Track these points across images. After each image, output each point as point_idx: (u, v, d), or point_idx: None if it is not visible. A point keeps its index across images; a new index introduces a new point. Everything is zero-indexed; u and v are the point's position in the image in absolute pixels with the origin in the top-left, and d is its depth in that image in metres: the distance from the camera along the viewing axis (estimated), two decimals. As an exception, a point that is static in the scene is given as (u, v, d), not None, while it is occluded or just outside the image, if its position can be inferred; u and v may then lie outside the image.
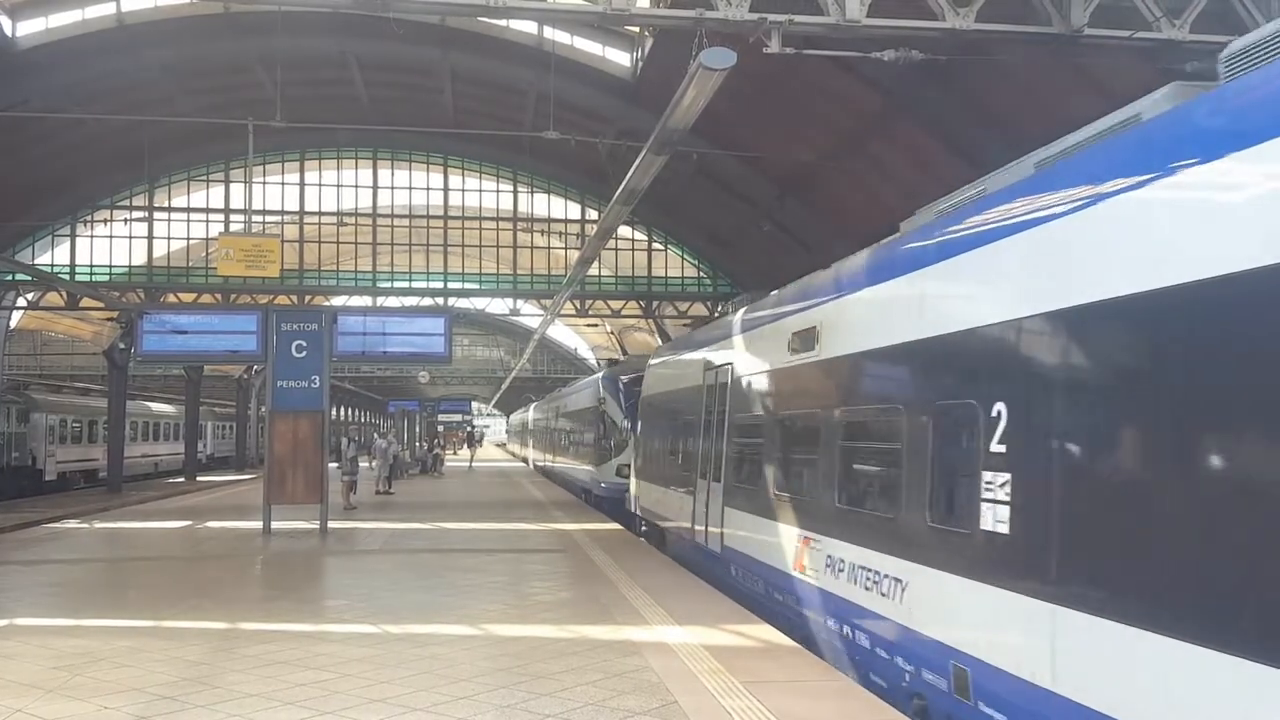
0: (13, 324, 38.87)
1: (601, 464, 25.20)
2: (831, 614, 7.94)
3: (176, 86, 27.39)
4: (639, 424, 18.92)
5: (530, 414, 59.36)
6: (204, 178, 33.78)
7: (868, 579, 7.18)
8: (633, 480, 19.27)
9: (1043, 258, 5.43)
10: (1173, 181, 4.47)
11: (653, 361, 18.50)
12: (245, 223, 28.09)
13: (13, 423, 32.12)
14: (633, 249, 34.97)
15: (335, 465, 24.09)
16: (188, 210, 33.98)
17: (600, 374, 29.25)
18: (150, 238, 33.13)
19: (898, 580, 6.72)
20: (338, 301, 36.35)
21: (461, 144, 32.87)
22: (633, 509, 19.10)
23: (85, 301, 31.21)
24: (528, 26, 25.63)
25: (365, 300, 34.55)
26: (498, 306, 37.12)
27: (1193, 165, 4.35)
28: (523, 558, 14.65)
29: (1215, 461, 4.11)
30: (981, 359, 5.97)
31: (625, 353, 40.52)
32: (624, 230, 31.04)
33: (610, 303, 34.99)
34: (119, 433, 31.51)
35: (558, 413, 38.40)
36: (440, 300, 33.63)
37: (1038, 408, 5.34)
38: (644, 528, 17.90)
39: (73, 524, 20.49)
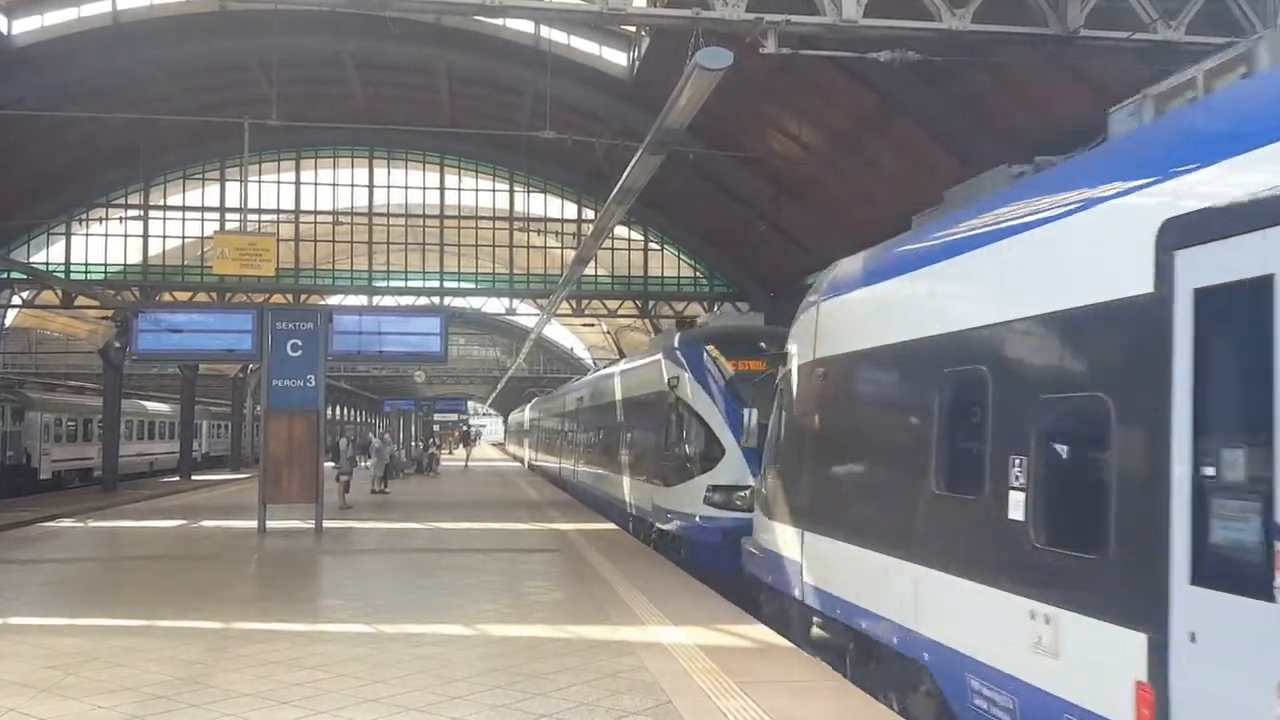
0: (8, 322, 38.78)
1: (674, 484, 15.51)
2: None
3: (172, 85, 27.35)
4: (782, 416, 9.85)
5: (537, 410, 47.67)
6: (199, 176, 33.74)
7: None
8: (766, 525, 9.93)
9: None
10: None
11: (840, 287, 8.70)
12: (241, 221, 28.10)
13: (7, 421, 32.04)
14: (629, 249, 34.98)
15: (332, 465, 24.07)
16: (183, 209, 33.95)
17: (665, 340, 18.34)
18: (146, 236, 33.07)
19: None
20: (333, 300, 36.27)
21: (458, 143, 32.85)
22: (766, 578, 9.83)
23: (81, 300, 31.18)
24: (524, 26, 25.61)
25: (361, 299, 34.50)
26: (494, 306, 37.09)
27: None
28: (518, 558, 14.63)
29: None
30: None
31: (621, 353, 39.28)
32: (620, 230, 31.05)
33: (607, 302, 35.03)
34: (114, 431, 31.45)
35: (580, 406, 28.14)
36: (436, 299, 33.61)
37: None
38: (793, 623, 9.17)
39: (67, 523, 20.44)
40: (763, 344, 14.78)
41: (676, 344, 16.69)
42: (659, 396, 16.62)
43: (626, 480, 19.79)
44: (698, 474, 14.69)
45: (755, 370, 14.47)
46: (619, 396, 21.67)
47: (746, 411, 11.35)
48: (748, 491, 12.80)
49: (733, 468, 13.97)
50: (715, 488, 14.17)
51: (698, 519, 14.27)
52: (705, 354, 15.70)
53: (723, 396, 14.76)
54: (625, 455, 20.21)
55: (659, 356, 17.42)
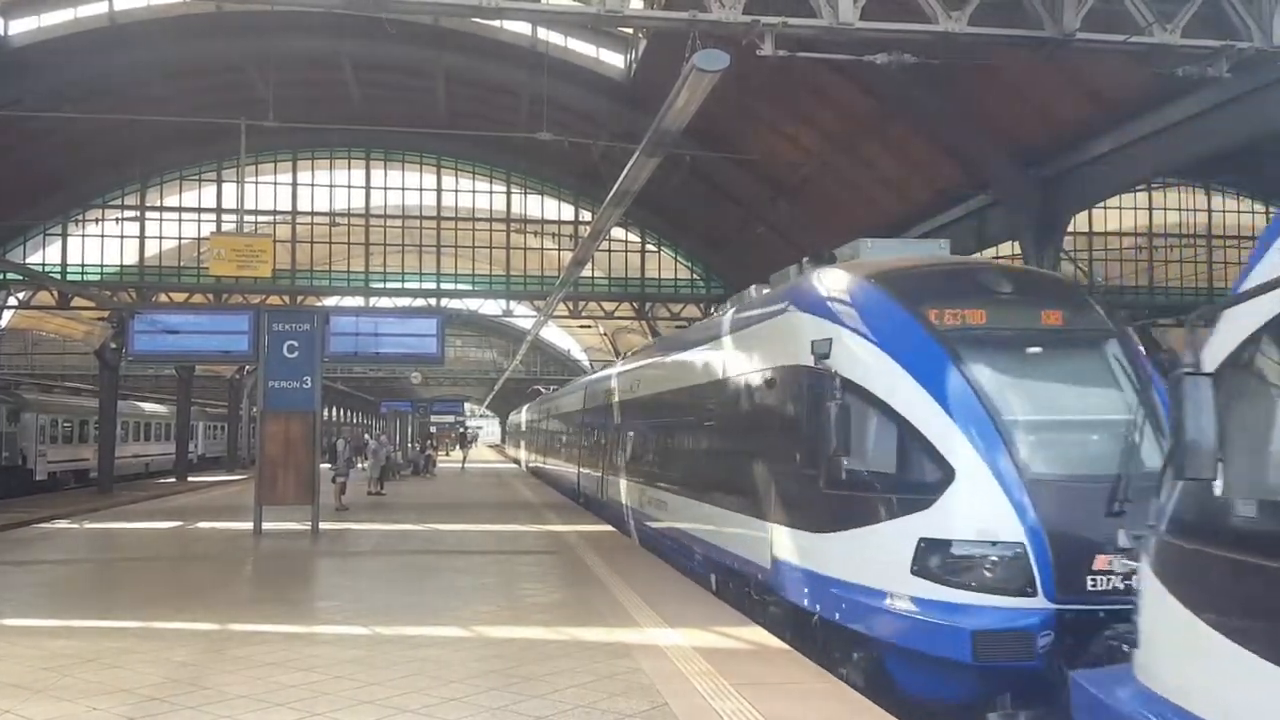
0: (3, 323, 38.75)
1: (829, 529, 8.31)
2: None
3: (169, 86, 27.32)
4: None
5: (544, 409, 39.30)
6: (196, 177, 33.71)
7: None
8: None
9: None
10: None
11: None
12: (237, 222, 28.04)
13: (3, 422, 31.96)
14: (626, 250, 34.99)
15: (328, 466, 24.02)
16: (179, 210, 33.92)
17: (791, 287, 10.20)
18: (142, 237, 33.04)
19: None
20: (330, 302, 36.24)
21: (454, 144, 32.84)
22: None
23: (76, 301, 31.13)
24: (521, 27, 25.60)
25: (358, 300, 34.49)
26: (491, 307, 37.07)
27: None
28: (515, 559, 14.62)
29: None
30: None
31: (619, 354, 38.78)
32: (617, 232, 31.04)
33: (604, 304, 35.02)
34: (110, 433, 31.42)
35: (612, 400, 20.34)
36: (433, 301, 33.58)
37: None
38: None
39: (63, 524, 20.41)
40: (984, 280, 8.76)
41: (826, 287, 9.20)
42: (784, 375, 9.41)
43: (703, 508, 12.20)
44: (888, 515, 7.76)
45: (977, 325, 8.22)
46: (693, 379, 13.34)
47: (1189, 394, 3.78)
48: (1000, 554, 7.08)
49: (975, 504, 7.29)
50: (935, 544, 7.30)
51: (904, 603, 7.42)
52: (890, 299, 8.52)
53: (939, 373, 7.85)
54: (703, 469, 12.71)
55: (785, 308, 9.72)
